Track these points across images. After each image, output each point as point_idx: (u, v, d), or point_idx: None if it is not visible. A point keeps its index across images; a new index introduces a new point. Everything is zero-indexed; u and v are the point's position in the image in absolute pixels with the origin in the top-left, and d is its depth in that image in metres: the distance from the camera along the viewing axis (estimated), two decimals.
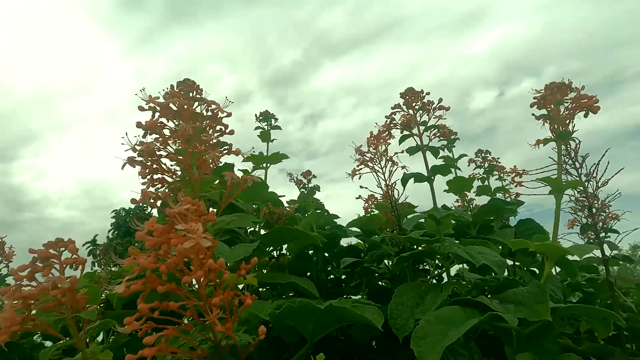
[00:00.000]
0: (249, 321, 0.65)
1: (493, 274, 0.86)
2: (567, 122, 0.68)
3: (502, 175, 1.32)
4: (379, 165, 1.02)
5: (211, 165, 0.64)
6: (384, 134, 0.92)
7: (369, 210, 1.48)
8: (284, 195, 1.11)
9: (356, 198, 1.36)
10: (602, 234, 0.93)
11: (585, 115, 0.67)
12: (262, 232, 1.10)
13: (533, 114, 0.73)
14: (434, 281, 1.00)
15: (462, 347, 0.78)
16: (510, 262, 1.04)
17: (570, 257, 0.94)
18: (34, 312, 0.48)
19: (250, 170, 1.21)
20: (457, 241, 0.85)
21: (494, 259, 0.73)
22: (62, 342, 0.51)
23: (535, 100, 0.71)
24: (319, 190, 1.51)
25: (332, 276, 1.22)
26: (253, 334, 0.63)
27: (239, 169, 1.19)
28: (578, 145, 0.90)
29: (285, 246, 1.11)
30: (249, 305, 0.43)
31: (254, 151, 1.16)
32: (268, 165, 1.20)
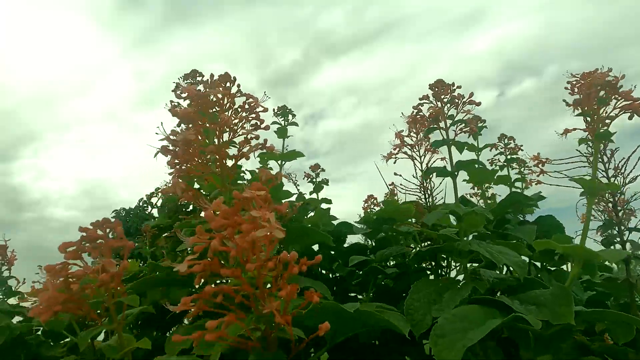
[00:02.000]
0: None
1: (510, 273, 0.86)
2: (609, 122, 0.66)
3: (522, 169, 1.28)
4: (417, 153, 1.00)
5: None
6: (416, 119, 0.90)
7: (369, 210, 1.47)
8: (296, 194, 1.10)
9: (389, 185, 1.34)
10: (625, 232, 0.91)
11: (630, 118, 0.65)
12: None
13: (564, 101, 0.70)
14: (458, 278, 0.99)
15: (478, 347, 0.78)
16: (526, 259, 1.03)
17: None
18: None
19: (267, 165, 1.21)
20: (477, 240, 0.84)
21: (515, 260, 0.72)
22: (100, 326, 0.50)
23: (574, 101, 0.69)
24: (327, 184, 1.50)
25: (337, 275, 1.21)
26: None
27: (247, 169, 1.18)
28: (607, 142, 0.88)
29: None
30: (316, 302, 0.44)
31: (277, 151, 1.16)
32: (283, 162, 1.19)
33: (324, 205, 1.42)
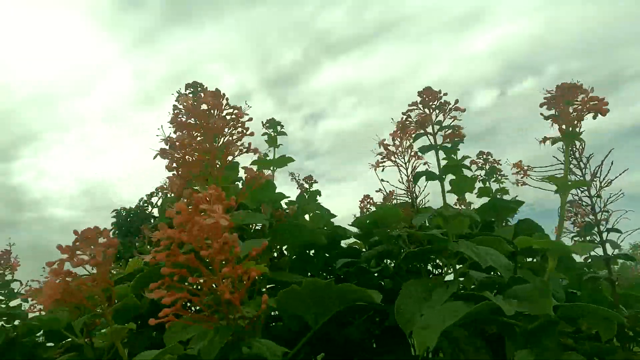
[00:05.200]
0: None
1: (498, 274, 0.91)
2: (576, 123, 0.73)
3: (500, 178, 1.39)
4: (402, 160, 1.07)
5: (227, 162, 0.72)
6: (405, 125, 0.96)
7: (365, 210, 1.53)
8: (289, 197, 1.17)
9: (376, 191, 1.43)
10: (605, 233, 0.98)
11: (594, 117, 0.71)
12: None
13: (542, 114, 0.77)
14: (447, 279, 1.05)
15: (466, 343, 0.83)
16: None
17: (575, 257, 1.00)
18: None
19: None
20: (465, 240, 0.90)
21: (501, 262, 0.78)
22: (92, 313, 0.60)
23: (546, 100, 0.75)
24: (320, 195, 1.58)
25: (331, 276, 1.27)
26: (259, 327, 0.69)
27: (242, 167, 1.24)
28: (583, 145, 0.94)
29: (284, 247, 1.16)
30: (253, 277, 0.51)
31: (266, 152, 1.26)
32: (275, 168, 1.27)
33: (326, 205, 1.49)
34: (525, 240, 0.71)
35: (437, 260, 1.05)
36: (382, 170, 1.12)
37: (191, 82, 1.12)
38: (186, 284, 0.51)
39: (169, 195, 1.32)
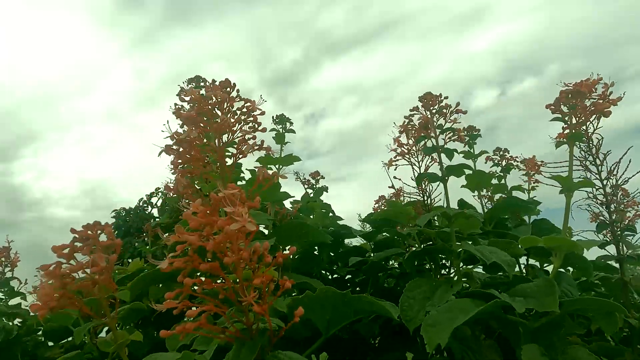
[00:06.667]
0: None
1: (503, 273, 0.91)
2: (581, 125, 0.73)
3: (517, 167, 1.37)
4: (415, 159, 1.08)
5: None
6: (408, 129, 0.98)
7: (379, 209, 1.53)
8: (294, 196, 1.17)
9: (389, 187, 1.42)
10: (619, 232, 0.97)
11: (597, 119, 0.72)
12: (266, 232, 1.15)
13: (551, 109, 0.77)
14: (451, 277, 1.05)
15: (474, 341, 0.83)
16: (524, 262, 1.09)
17: (586, 256, 0.99)
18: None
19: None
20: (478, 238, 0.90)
21: (504, 258, 0.78)
22: (95, 321, 0.56)
23: (552, 104, 0.77)
24: (327, 191, 1.58)
25: (336, 276, 1.27)
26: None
27: (246, 169, 1.24)
28: (600, 143, 0.94)
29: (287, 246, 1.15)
30: (288, 287, 0.49)
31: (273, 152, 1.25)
32: (281, 166, 1.26)
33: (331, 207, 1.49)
34: (532, 239, 0.71)
35: (447, 261, 1.05)
36: (395, 168, 1.14)
37: (193, 77, 1.13)
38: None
39: (169, 196, 1.31)
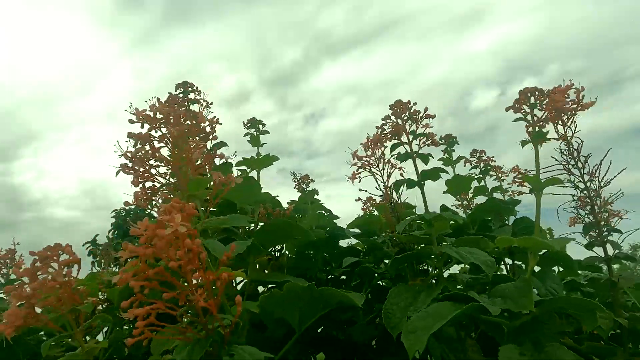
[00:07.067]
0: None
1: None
2: (542, 124, 0.75)
3: (499, 175, 1.37)
4: (377, 169, 1.10)
5: (206, 167, 0.72)
6: (381, 138, 1.01)
7: (367, 212, 1.55)
8: (278, 196, 1.18)
9: (355, 200, 1.46)
10: (605, 233, 0.97)
11: (555, 118, 0.73)
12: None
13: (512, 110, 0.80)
14: (433, 281, 1.07)
15: (456, 342, 0.85)
16: (509, 262, 1.11)
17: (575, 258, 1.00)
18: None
19: (248, 171, 1.29)
20: (453, 240, 0.91)
21: (483, 259, 0.79)
22: (60, 334, 0.60)
23: (511, 105, 0.80)
24: (317, 194, 1.60)
25: (331, 276, 1.29)
26: (244, 332, 0.71)
27: (237, 168, 1.26)
28: (580, 145, 0.95)
29: (284, 246, 1.17)
30: (225, 280, 0.52)
31: (257, 153, 1.27)
32: (261, 167, 1.28)
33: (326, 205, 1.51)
34: (507, 239, 0.72)
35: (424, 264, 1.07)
36: (359, 181, 1.15)
37: (181, 82, 1.13)
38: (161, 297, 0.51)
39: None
